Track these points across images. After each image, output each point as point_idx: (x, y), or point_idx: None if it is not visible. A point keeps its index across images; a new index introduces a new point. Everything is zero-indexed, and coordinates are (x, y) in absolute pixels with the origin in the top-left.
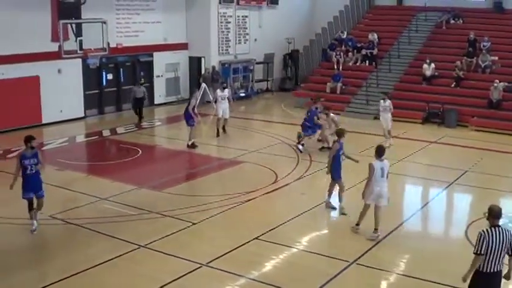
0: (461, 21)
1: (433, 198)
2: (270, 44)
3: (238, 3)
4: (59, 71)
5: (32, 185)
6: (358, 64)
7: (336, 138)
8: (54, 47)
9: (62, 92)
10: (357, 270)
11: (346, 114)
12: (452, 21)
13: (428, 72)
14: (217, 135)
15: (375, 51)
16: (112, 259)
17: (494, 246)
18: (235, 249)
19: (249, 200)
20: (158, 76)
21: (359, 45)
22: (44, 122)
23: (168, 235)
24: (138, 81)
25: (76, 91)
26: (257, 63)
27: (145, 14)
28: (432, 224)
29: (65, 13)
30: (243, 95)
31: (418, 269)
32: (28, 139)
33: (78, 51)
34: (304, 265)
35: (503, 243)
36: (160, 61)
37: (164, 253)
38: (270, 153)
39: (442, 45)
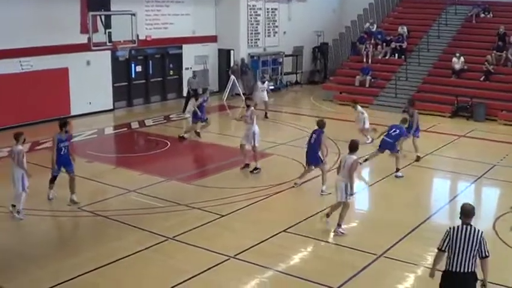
0: (491, 15)
1: (461, 192)
2: (299, 37)
3: None
4: (88, 63)
5: (63, 161)
6: (387, 57)
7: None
8: (83, 39)
9: (91, 84)
10: (385, 263)
11: (374, 107)
12: (482, 15)
13: (457, 66)
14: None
15: (404, 45)
16: (140, 251)
17: (460, 244)
18: (263, 241)
19: (277, 193)
20: (187, 68)
21: (388, 38)
22: (72, 114)
23: (196, 227)
24: (193, 73)
25: (105, 83)
26: (286, 55)
27: (174, 6)
28: None
29: (94, 5)
30: (272, 87)
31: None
32: (64, 124)
33: (108, 43)
34: (332, 258)
35: (471, 242)
36: (190, 53)
37: (192, 245)
38: (298, 145)
39: (471, 39)
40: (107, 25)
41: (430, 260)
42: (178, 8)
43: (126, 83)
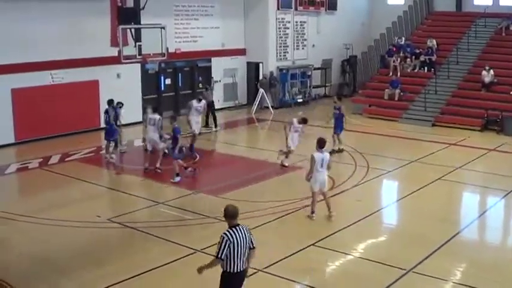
0: None
1: (491, 207)
2: (328, 50)
3: (296, 9)
4: (118, 75)
5: None
6: (416, 71)
7: None
8: (113, 52)
9: (121, 97)
10: (413, 278)
11: (403, 120)
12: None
13: (487, 79)
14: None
15: (434, 58)
16: (168, 263)
17: (239, 247)
18: (291, 255)
19: (306, 206)
20: (216, 81)
21: (417, 51)
22: (102, 126)
23: None
24: (204, 86)
25: (134, 96)
26: (315, 69)
27: (203, 19)
28: (490, 233)
29: (124, 18)
30: (300, 100)
31: (475, 278)
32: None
33: (137, 56)
34: (360, 272)
35: (245, 241)
36: (219, 66)
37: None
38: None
39: (501, 51)
40: (137, 38)
41: (459, 275)
42: (207, 21)
43: (155, 96)
